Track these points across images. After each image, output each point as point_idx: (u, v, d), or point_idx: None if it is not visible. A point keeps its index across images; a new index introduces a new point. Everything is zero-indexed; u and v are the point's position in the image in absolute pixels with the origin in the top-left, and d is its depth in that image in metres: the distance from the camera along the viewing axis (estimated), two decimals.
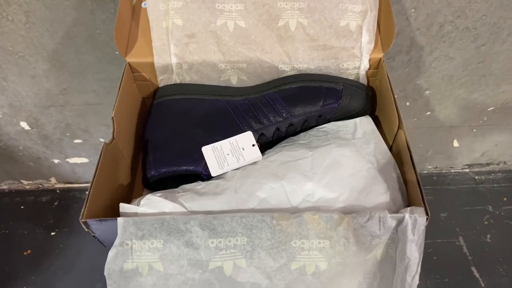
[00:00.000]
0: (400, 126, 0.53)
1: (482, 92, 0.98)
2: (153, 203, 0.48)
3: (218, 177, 0.54)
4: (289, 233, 0.43)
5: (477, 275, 1.02)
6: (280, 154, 0.54)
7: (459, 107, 1.04)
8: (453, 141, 1.14)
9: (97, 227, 0.43)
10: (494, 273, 1.02)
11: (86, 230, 0.44)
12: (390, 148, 0.56)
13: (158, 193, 0.50)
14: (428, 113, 1.03)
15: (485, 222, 1.12)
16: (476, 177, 1.23)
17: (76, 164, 1.15)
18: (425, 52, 0.87)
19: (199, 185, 0.52)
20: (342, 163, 0.52)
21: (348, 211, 0.47)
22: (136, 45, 0.62)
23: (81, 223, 0.43)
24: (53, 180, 1.20)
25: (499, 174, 1.24)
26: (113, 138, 0.54)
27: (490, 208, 1.15)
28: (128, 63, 0.61)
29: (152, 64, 0.61)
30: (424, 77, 0.93)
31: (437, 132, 1.10)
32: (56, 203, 1.19)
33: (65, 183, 1.22)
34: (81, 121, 1.01)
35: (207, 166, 0.55)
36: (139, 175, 0.62)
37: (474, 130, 1.10)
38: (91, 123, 1.02)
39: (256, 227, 0.43)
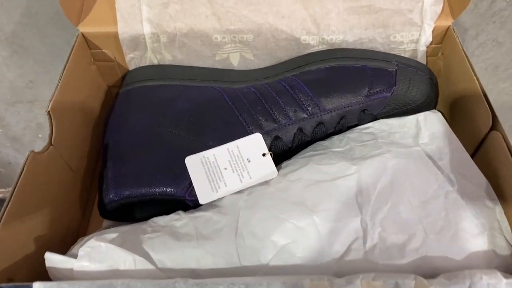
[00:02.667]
0: (495, 127, 0.34)
1: None
2: (99, 254, 0.29)
3: (210, 205, 0.35)
4: None
5: None
6: (307, 170, 0.35)
7: (501, 104, 0.85)
8: None
9: None
10: None
11: None
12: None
13: (112, 233, 0.31)
14: None
15: None
16: None
17: None
18: (469, 36, 0.69)
19: (179, 220, 0.33)
20: (405, 185, 0.33)
21: (426, 270, 0.28)
22: (95, 8, 0.43)
23: None
24: None
25: None
26: (50, 143, 0.35)
27: None
28: (82, 34, 0.42)
29: (116, 36, 0.42)
30: None
31: None
32: None
33: None
34: None
35: (192, 187, 0.35)
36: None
37: None
38: None
39: None
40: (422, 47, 0.42)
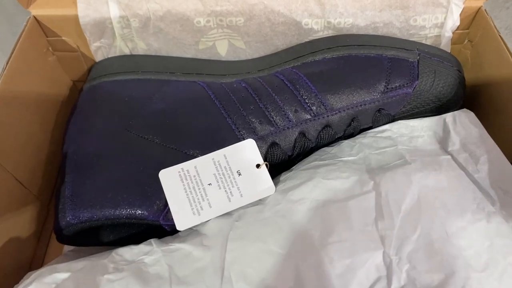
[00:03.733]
0: None
1: None
2: None
3: (191, 233, 0.27)
4: None
5: None
6: (312, 186, 0.28)
7: None
8: None
9: None
10: None
11: None
12: None
13: (63, 273, 0.24)
14: None
15: None
16: None
17: None
18: None
19: (149, 254, 0.26)
20: (436, 205, 0.26)
21: None
22: None
23: None
24: None
25: None
26: None
27: None
28: (34, 17, 0.35)
29: (77, 20, 0.35)
30: None
31: None
32: None
33: None
34: None
35: (168, 209, 0.28)
36: None
37: None
38: None
39: None
40: (447, 33, 0.35)
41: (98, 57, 0.38)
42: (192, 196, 0.28)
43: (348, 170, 0.29)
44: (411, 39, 0.35)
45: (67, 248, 0.34)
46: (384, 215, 0.26)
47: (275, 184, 0.29)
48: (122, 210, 0.28)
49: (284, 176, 0.30)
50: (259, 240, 0.24)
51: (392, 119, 0.33)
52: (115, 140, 0.31)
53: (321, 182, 0.28)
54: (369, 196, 0.27)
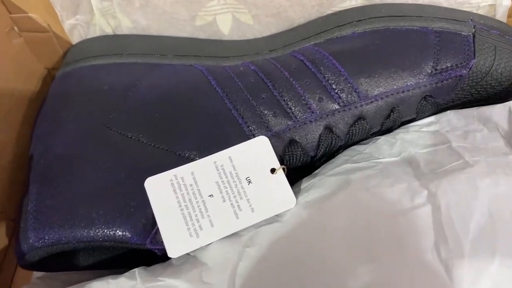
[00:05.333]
0: None
1: None
2: None
3: (187, 261, 0.21)
4: None
5: None
6: (346, 197, 0.21)
7: None
8: None
9: None
10: None
11: None
12: None
13: None
14: None
15: None
16: None
17: None
18: None
19: None
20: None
21: None
22: None
23: None
24: None
25: None
26: None
27: None
28: None
29: None
30: None
31: None
32: None
33: None
34: None
35: (157, 229, 0.22)
36: None
37: None
38: None
39: None
40: (505, 1, 0.28)
41: (75, 39, 0.31)
42: (189, 211, 0.22)
43: (391, 175, 0.22)
44: (461, 9, 0.28)
45: (37, 274, 0.28)
46: (447, 237, 0.19)
47: (296, 194, 0.23)
48: (97, 230, 0.22)
49: (306, 183, 0.23)
50: (276, 276, 0.18)
51: (442, 109, 0.26)
52: (90, 139, 0.25)
53: (357, 193, 0.21)
54: (424, 211, 0.20)
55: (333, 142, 0.24)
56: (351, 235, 0.19)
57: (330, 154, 0.25)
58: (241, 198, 0.22)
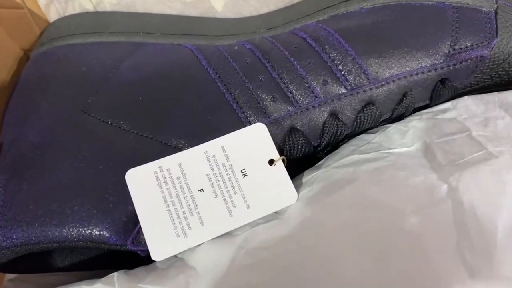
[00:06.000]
0: None
1: None
2: None
3: (173, 264, 0.18)
4: None
5: None
6: (354, 192, 0.18)
7: None
8: None
9: None
10: None
11: None
12: None
13: None
14: None
15: None
16: None
17: None
18: None
19: None
20: None
21: None
22: None
23: None
24: None
25: None
26: None
27: None
28: None
29: None
30: None
31: None
32: None
33: None
34: None
35: (140, 228, 0.19)
36: None
37: None
38: None
39: None
40: None
41: (52, 16, 0.28)
42: (175, 208, 0.19)
43: (405, 167, 0.20)
44: None
45: (9, 276, 0.25)
46: (472, 238, 0.16)
47: (297, 188, 0.20)
48: (71, 229, 0.19)
49: (309, 176, 0.21)
50: (277, 285, 0.15)
51: (456, 94, 0.24)
52: (66, 126, 0.22)
53: (366, 187, 0.19)
54: (444, 208, 0.18)
55: (339, 130, 0.22)
56: (360, 234, 0.17)
57: (335, 144, 0.23)
58: (235, 193, 0.19)
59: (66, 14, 0.28)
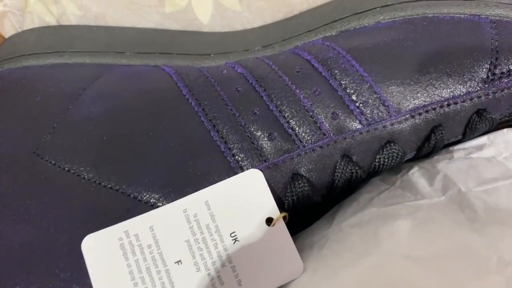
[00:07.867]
0: None
1: None
2: None
3: None
4: None
5: None
6: (375, 263, 0.14)
7: None
8: None
9: None
10: None
11: None
12: None
13: None
14: None
15: None
16: None
17: None
18: None
19: None
20: None
21: None
22: None
23: None
24: None
25: None
26: None
27: None
28: None
29: None
30: None
31: None
32: None
33: None
34: None
35: None
36: None
37: None
38: None
39: None
40: None
41: (7, 30, 0.24)
42: (146, 287, 0.15)
43: (439, 227, 0.15)
44: None
45: None
46: None
47: (302, 253, 0.16)
48: None
49: (318, 235, 0.17)
50: None
51: (494, 127, 0.19)
52: (12, 173, 0.18)
53: (391, 259, 0.14)
54: (492, 283, 0.13)
55: (353, 176, 0.17)
56: None
57: (347, 193, 0.18)
58: (223, 266, 0.15)
59: (24, 28, 0.23)
